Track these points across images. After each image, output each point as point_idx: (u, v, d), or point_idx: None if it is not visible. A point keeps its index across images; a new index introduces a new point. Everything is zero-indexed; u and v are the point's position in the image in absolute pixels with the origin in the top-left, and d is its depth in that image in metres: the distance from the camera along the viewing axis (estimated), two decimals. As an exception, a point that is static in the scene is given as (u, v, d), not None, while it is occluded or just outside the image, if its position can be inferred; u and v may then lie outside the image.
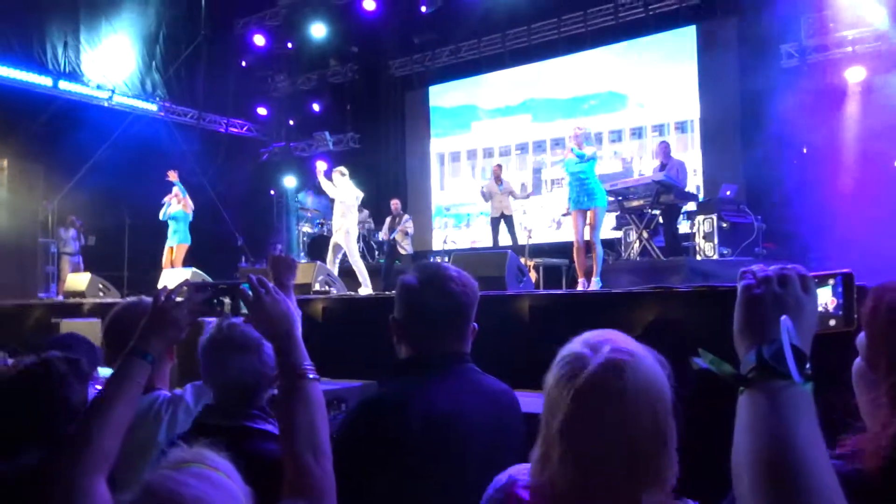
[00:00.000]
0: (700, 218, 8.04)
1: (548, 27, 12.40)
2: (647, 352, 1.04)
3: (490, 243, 10.17)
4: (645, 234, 7.57)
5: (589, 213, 6.44)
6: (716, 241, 7.83)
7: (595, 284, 6.28)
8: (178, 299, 1.46)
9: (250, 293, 1.40)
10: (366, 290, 7.88)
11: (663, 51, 11.62)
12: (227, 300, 1.45)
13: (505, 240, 9.93)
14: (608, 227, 8.98)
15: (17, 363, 1.68)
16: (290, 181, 15.37)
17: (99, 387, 1.59)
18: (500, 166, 10.47)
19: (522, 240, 9.71)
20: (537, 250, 9.80)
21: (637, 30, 11.63)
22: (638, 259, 7.61)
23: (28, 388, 1.59)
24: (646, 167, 11.40)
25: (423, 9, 12.71)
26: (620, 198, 7.77)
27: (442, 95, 14.32)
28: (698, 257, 7.73)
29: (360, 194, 8.56)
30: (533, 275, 8.47)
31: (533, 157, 13.03)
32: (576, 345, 1.05)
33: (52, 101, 11.81)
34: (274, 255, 1.82)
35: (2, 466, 1.50)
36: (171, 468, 1.04)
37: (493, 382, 1.66)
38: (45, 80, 11.92)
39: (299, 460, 1.30)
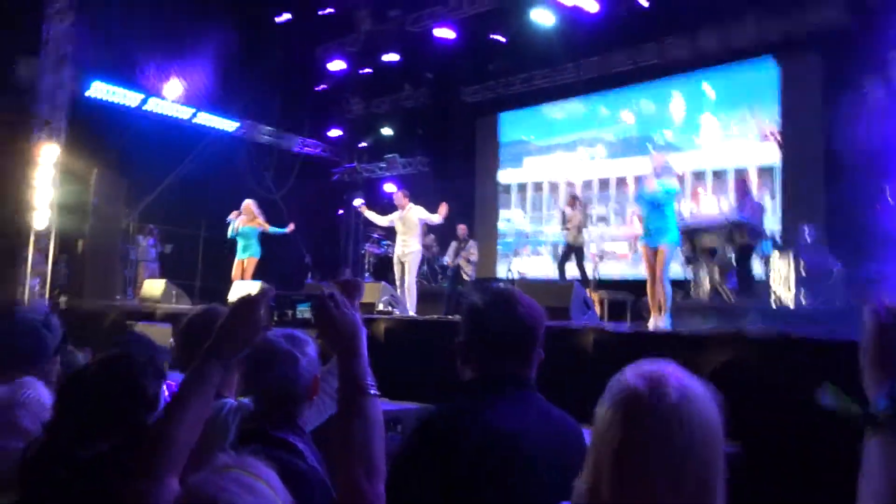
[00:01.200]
0: (776, 260, 7.75)
1: (622, 57, 12.32)
2: (703, 387, 1.03)
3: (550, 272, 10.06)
4: (716, 275, 7.34)
5: (659, 250, 6.17)
6: (793, 285, 7.52)
7: (664, 322, 6.07)
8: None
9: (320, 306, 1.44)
10: (411, 312, 7.94)
11: (742, 87, 11.37)
12: (292, 311, 1.51)
13: (572, 270, 9.87)
14: (677, 265, 8.78)
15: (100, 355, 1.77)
16: (358, 202, 15.69)
17: (170, 383, 1.65)
18: (574, 197, 10.34)
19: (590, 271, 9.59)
20: (603, 283, 9.64)
21: (714, 63, 11.41)
22: (708, 300, 7.38)
23: (110, 376, 1.66)
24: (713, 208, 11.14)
25: (499, 37, 12.86)
26: (692, 235, 7.58)
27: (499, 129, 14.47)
28: (773, 302, 7.43)
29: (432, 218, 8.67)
30: (598, 308, 8.34)
31: (581, 193, 12.87)
32: (630, 374, 1.04)
33: (140, 117, 12.47)
34: (342, 278, 1.87)
35: (80, 452, 1.56)
36: (212, 472, 1.07)
37: (557, 410, 1.64)
38: (135, 99, 12.61)
39: (351, 476, 1.29)
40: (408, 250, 8.46)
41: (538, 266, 13.17)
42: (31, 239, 10.81)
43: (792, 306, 7.29)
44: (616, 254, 11.93)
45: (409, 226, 8.53)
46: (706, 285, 7.66)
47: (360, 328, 1.44)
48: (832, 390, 0.81)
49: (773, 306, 7.28)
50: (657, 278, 6.11)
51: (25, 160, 10.84)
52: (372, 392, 1.38)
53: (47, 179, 10.85)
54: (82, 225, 10.94)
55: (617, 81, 12.46)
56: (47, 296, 10.48)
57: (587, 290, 7.38)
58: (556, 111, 13.68)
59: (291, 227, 9.63)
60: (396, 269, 8.57)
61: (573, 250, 9.90)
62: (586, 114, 13.31)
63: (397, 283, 8.41)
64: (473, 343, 1.62)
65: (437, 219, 8.64)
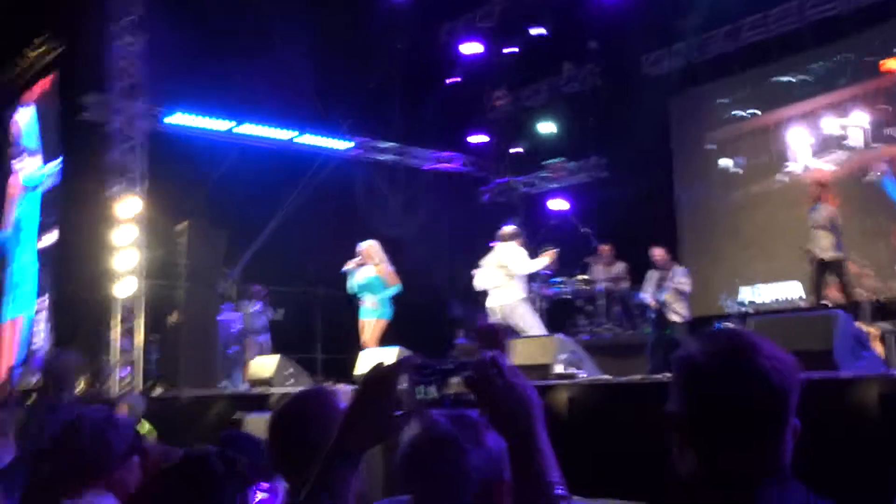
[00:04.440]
0: None
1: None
2: None
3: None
4: None
5: None
6: None
7: None
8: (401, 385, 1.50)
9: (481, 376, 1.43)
10: None
11: None
12: (442, 387, 1.49)
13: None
14: None
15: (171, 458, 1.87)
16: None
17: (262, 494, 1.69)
18: (821, 185, 9.87)
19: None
20: (883, 309, 9.05)
21: None
22: None
23: (177, 488, 1.74)
24: None
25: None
26: None
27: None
28: None
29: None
30: (879, 347, 7.95)
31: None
32: None
33: (231, 147, 13.38)
34: (482, 326, 1.86)
35: None
36: None
37: None
38: (223, 125, 13.58)
39: None
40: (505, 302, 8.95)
41: (780, 291, 12.53)
42: (117, 317, 11.77)
43: None
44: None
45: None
46: None
47: (536, 404, 1.43)
48: None
49: None
50: None
51: (100, 218, 11.89)
52: (559, 493, 1.37)
53: (130, 239, 11.82)
54: (174, 293, 11.75)
55: (868, 16, 11.72)
56: (140, 387, 11.35)
57: (858, 323, 6.95)
58: (785, 71, 13.10)
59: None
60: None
61: (829, 265, 9.40)
62: (832, 68, 12.60)
63: None
64: (695, 416, 1.54)
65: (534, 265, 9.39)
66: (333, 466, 1.46)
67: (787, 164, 13.10)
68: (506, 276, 9.08)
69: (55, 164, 13.05)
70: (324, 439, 2.14)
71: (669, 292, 10.52)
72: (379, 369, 1.51)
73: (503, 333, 1.78)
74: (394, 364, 1.52)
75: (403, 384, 1.49)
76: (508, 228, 9.62)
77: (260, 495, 1.90)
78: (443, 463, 1.71)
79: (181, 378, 10.79)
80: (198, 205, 11.94)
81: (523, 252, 9.23)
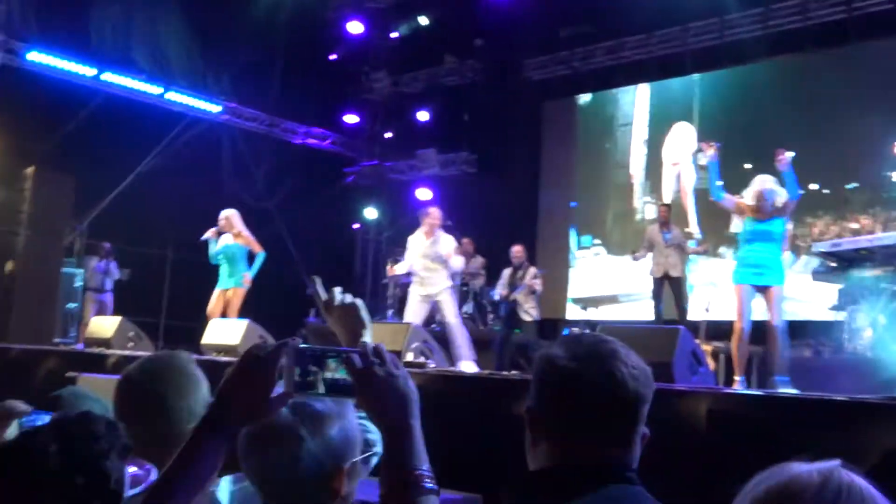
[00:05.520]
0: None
1: (750, 19, 12.20)
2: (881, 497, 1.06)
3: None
4: (883, 319, 7.17)
5: (770, 291, 6.44)
6: None
7: (781, 385, 6.13)
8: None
9: (359, 363, 1.42)
10: (469, 365, 7.90)
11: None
12: (320, 372, 1.47)
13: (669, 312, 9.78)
14: (827, 306, 8.64)
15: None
16: (371, 213, 15.75)
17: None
18: (668, 207, 10.34)
19: (697, 313, 9.42)
20: (719, 330, 9.48)
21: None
22: (871, 354, 7.21)
23: (54, 449, 1.57)
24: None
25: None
26: (847, 265, 7.45)
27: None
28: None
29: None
30: (712, 364, 8.20)
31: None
32: (788, 465, 1.07)
33: (93, 95, 12.75)
34: (328, 300, 1.84)
35: None
36: None
37: None
38: (86, 70, 12.91)
39: None
40: (440, 287, 8.69)
41: (627, 301, 13.01)
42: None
43: None
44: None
45: (437, 258, 8.78)
46: (867, 334, 7.47)
47: (414, 397, 1.44)
48: None
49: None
50: (773, 326, 6.39)
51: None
52: (427, 486, 1.38)
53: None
54: (13, 241, 11.17)
55: (737, 51, 12.30)
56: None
57: (697, 340, 7.29)
58: (659, 90, 13.59)
59: None
60: (416, 309, 8.72)
61: (671, 281, 9.84)
62: (709, 94, 13.14)
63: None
64: (552, 413, 1.56)
65: (458, 264, 9.06)
66: (203, 441, 1.42)
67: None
68: (439, 262, 8.85)
69: None
70: (180, 405, 2.07)
71: (523, 291, 10.72)
72: (260, 347, 1.48)
73: (359, 311, 1.74)
74: (276, 344, 1.48)
75: (283, 365, 1.46)
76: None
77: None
78: (277, 450, 1.69)
79: (12, 331, 10.29)
80: (50, 151, 11.39)
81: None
